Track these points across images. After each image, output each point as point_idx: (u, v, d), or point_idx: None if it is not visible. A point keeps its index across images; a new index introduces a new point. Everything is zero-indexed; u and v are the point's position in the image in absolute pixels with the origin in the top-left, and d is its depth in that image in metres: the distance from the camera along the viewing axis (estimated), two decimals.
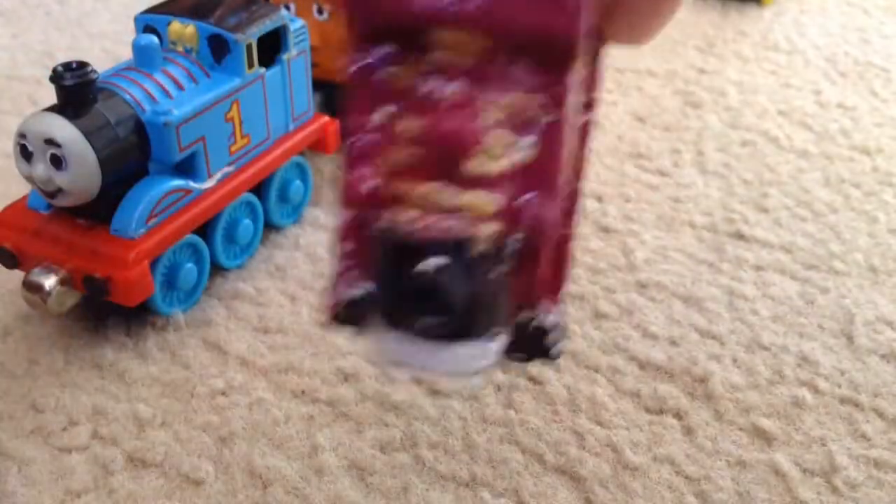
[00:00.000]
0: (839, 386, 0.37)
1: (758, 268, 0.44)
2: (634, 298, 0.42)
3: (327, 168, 0.52)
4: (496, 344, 0.22)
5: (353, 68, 0.20)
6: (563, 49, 0.19)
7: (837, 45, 0.70)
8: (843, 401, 0.36)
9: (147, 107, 0.38)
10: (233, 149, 0.42)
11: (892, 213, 0.49)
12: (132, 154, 0.37)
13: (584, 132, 0.22)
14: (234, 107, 0.41)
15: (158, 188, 0.38)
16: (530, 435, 0.35)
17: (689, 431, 0.35)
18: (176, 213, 0.39)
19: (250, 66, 0.41)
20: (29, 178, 0.36)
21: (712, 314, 0.41)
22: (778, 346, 0.39)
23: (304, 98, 0.46)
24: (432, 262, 0.19)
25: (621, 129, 0.57)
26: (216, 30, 0.40)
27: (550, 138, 0.20)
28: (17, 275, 0.39)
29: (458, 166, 0.19)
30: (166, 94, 0.38)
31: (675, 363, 0.38)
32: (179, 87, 0.39)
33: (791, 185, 0.52)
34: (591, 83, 0.22)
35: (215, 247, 0.42)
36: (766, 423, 0.35)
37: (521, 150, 0.20)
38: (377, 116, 0.20)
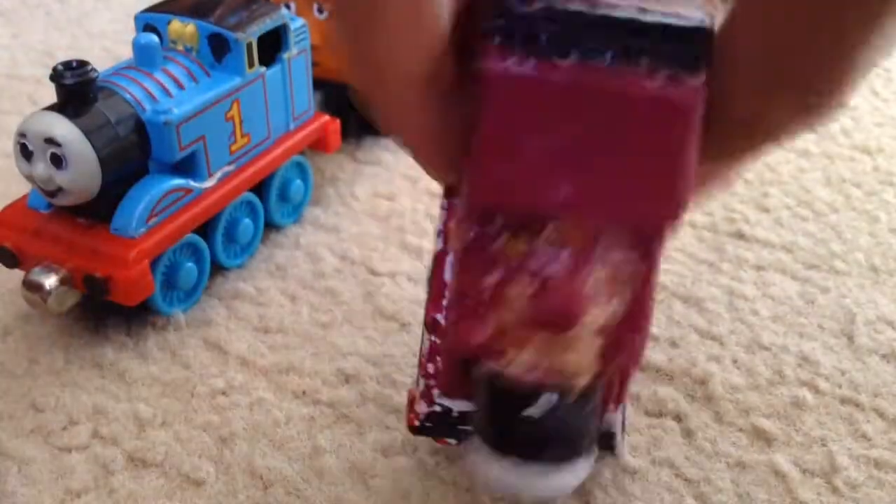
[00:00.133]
0: (840, 386, 0.37)
1: (758, 267, 0.44)
2: None
3: (328, 167, 0.52)
4: (591, 460, 0.24)
5: (472, 235, 0.21)
6: (665, 227, 0.21)
7: None
8: (844, 401, 0.36)
9: (147, 106, 0.38)
10: (233, 148, 0.42)
11: (893, 212, 0.49)
12: (132, 153, 0.37)
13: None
14: (235, 106, 0.41)
15: (159, 187, 0.38)
16: None
17: (688, 434, 0.35)
18: (176, 213, 0.39)
19: (251, 65, 0.41)
20: (29, 178, 0.36)
21: (712, 314, 0.41)
22: (778, 347, 0.39)
23: (305, 97, 0.46)
24: (541, 404, 0.22)
25: None
26: (216, 29, 0.40)
27: (644, 284, 0.21)
28: (17, 274, 0.39)
29: (564, 331, 0.21)
30: (166, 93, 0.38)
31: (674, 364, 0.38)
32: (180, 86, 0.39)
33: (792, 184, 0.52)
34: None
35: (215, 246, 0.42)
36: (766, 424, 0.35)
37: (619, 300, 0.21)
38: (490, 279, 0.21)
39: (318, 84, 0.48)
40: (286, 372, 0.38)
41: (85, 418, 0.35)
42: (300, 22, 0.45)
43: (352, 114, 0.51)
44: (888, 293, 0.43)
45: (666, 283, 0.43)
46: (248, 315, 0.41)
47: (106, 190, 0.37)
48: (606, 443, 0.29)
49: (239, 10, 0.41)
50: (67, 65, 0.36)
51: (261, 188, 0.45)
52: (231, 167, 0.42)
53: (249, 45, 0.41)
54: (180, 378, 0.37)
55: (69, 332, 0.39)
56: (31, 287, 0.36)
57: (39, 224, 0.38)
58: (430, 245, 0.39)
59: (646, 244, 0.21)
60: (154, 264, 0.38)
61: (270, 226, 0.46)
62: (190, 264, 0.40)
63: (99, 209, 0.37)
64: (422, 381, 0.27)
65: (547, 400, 0.22)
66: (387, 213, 0.48)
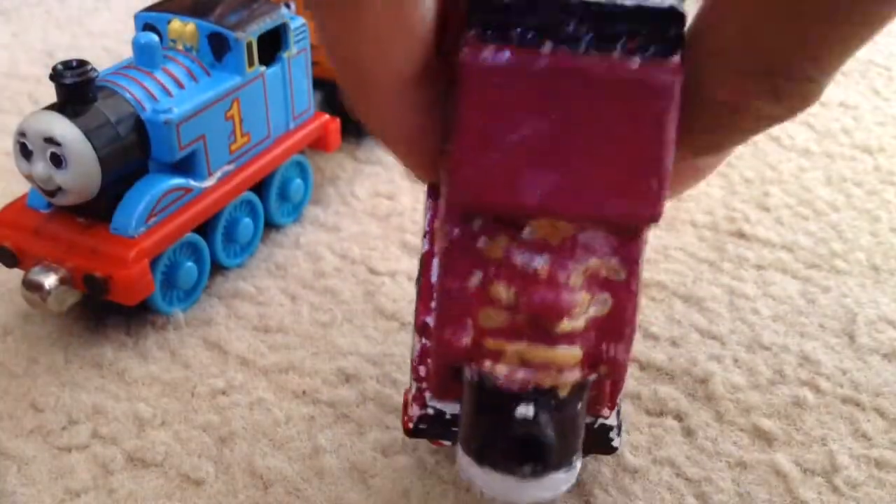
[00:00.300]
0: (840, 385, 0.37)
1: (759, 267, 0.44)
2: None
3: (328, 167, 0.52)
4: (580, 463, 0.24)
5: (454, 235, 0.21)
6: (644, 223, 0.21)
7: None
8: (845, 400, 0.36)
9: (147, 105, 0.37)
10: (233, 147, 0.42)
11: (894, 211, 0.49)
12: (132, 153, 0.37)
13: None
14: (235, 105, 0.41)
15: (158, 187, 0.38)
16: None
17: (689, 433, 0.35)
18: (176, 212, 0.39)
19: (251, 64, 0.41)
20: (28, 177, 0.36)
21: (713, 314, 0.41)
22: (779, 346, 0.39)
23: (305, 96, 0.46)
24: (528, 409, 0.22)
25: None
26: (216, 28, 0.40)
27: (624, 290, 0.21)
28: (17, 274, 0.39)
29: (548, 329, 0.21)
30: (166, 92, 0.38)
31: (675, 364, 0.38)
32: (180, 86, 0.39)
33: (792, 183, 0.52)
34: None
35: (215, 245, 0.42)
36: (767, 424, 0.35)
37: (599, 304, 0.21)
38: (474, 280, 0.21)
39: (318, 83, 0.48)
40: (286, 371, 0.37)
41: (84, 418, 0.35)
42: (300, 21, 0.44)
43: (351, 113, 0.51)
44: (889, 293, 0.43)
45: (666, 283, 0.43)
46: (247, 314, 0.41)
47: (105, 189, 0.37)
48: (601, 439, 0.29)
49: (239, 10, 0.41)
50: (67, 64, 0.36)
51: (261, 187, 0.44)
52: (231, 166, 0.42)
53: (249, 45, 0.41)
54: (180, 378, 0.37)
55: (69, 332, 0.39)
56: (31, 286, 0.36)
57: (39, 223, 0.38)
58: None
59: (626, 244, 0.21)
60: (154, 264, 0.38)
61: (270, 225, 0.46)
62: (190, 264, 0.40)
63: (99, 209, 0.37)
64: (414, 385, 0.27)
65: (533, 403, 0.22)
66: (387, 213, 0.48)
